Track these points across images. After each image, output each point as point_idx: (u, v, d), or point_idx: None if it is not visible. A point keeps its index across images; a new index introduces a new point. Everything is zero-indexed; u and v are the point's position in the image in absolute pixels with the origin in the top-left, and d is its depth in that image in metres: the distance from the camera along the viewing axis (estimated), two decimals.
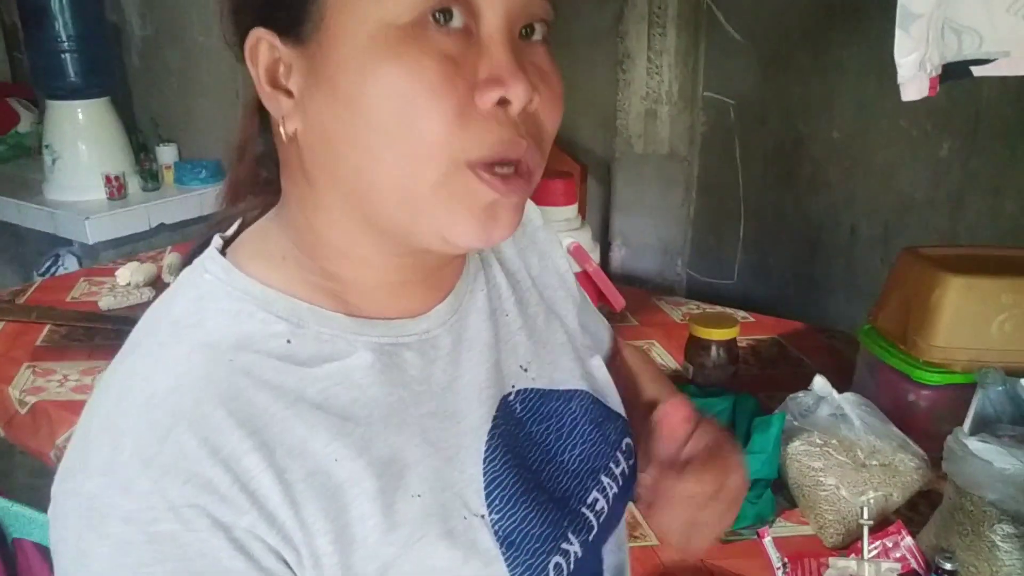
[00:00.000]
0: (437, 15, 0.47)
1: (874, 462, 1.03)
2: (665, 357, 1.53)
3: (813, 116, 2.02)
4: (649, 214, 2.28)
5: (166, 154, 2.85)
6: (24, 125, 3.21)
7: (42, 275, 2.58)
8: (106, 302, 1.74)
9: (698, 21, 2.13)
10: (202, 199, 2.72)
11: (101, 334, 1.60)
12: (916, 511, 1.06)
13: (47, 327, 1.63)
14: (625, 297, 1.42)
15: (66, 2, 2.56)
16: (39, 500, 0.73)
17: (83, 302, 1.78)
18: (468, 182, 0.49)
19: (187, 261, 0.56)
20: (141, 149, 2.87)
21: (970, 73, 1.06)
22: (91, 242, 2.55)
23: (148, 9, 2.98)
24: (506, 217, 0.51)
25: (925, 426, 1.13)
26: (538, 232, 0.73)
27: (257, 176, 0.60)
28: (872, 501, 1.00)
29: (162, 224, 2.69)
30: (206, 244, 0.56)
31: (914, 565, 0.94)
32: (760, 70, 2.08)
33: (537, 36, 0.52)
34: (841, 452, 1.04)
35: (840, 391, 1.12)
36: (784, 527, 1.06)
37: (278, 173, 0.56)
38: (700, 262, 2.31)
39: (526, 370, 0.63)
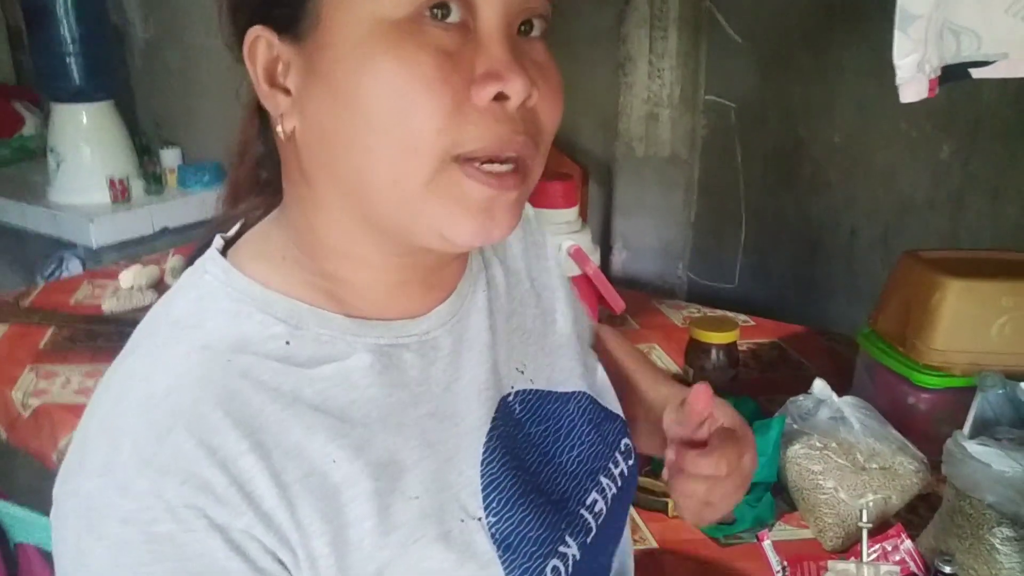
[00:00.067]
0: (434, 10, 0.47)
1: (874, 465, 1.03)
2: (665, 360, 1.53)
3: (813, 118, 2.02)
4: (650, 217, 2.28)
5: (170, 157, 2.85)
6: (28, 128, 3.21)
7: (46, 278, 2.58)
8: (109, 305, 1.74)
9: (699, 24, 2.13)
10: (206, 202, 2.68)
11: (104, 337, 1.60)
12: (916, 514, 1.06)
13: (50, 330, 1.64)
14: (625, 300, 1.42)
15: (70, 5, 2.56)
16: (41, 503, 0.73)
17: (86, 305, 1.79)
18: (459, 179, 0.48)
19: (189, 262, 0.56)
20: (144, 151, 2.87)
21: (969, 75, 1.06)
22: (95, 245, 2.56)
23: (150, 11, 2.99)
24: (503, 214, 0.50)
25: (925, 429, 1.13)
26: (536, 232, 0.73)
27: (257, 177, 0.60)
28: (871, 504, 1.00)
29: (166, 227, 2.69)
30: (208, 245, 0.56)
31: (913, 568, 0.93)
32: (760, 72, 2.08)
33: (535, 32, 0.52)
34: (841, 455, 1.03)
35: (840, 394, 1.11)
36: (784, 530, 1.06)
37: (279, 174, 0.56)
38: (701, 265, 2.30)
39: (524, 371, 0.63)
